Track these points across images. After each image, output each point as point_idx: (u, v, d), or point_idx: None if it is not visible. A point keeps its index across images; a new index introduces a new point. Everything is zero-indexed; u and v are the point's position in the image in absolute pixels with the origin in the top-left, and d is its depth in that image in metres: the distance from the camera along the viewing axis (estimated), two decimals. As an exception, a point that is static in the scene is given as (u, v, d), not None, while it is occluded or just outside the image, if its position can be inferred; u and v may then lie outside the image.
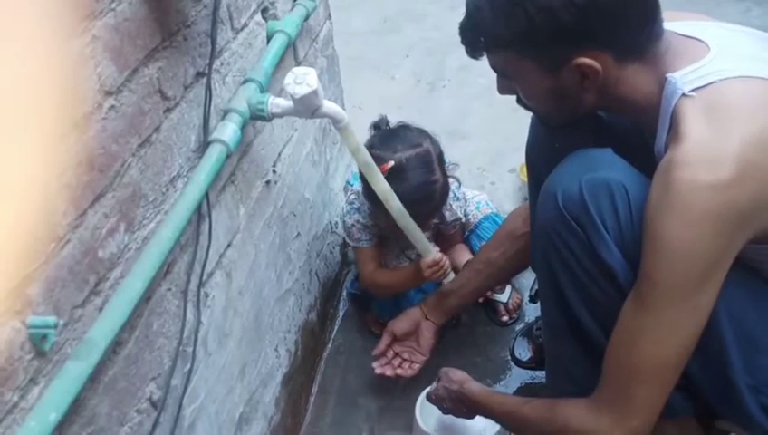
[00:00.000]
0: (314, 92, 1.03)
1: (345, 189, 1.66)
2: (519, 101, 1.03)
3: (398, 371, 1.40)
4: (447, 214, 1.51)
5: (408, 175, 1.32)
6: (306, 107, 1.05)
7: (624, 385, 0.93)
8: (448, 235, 1.58)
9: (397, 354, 1.42)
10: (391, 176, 1.30)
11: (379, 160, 1.31)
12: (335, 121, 1.13)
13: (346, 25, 2.83)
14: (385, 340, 1.42)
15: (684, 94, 0.87)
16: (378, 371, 1.40)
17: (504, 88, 1.03)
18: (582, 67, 0.90)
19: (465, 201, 1.57)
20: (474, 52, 0.99)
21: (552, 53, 0.91)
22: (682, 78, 0.88)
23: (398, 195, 1.30)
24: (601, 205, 0.94)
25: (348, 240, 1.52)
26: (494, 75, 1.03)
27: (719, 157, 0.81)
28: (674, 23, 0.96)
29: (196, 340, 0.99)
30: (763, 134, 0.82)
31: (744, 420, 0.97)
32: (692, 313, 0.88)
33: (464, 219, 1.58)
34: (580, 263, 0.97)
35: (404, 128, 1.40)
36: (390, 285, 1.51)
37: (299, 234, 1.44)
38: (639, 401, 0.92)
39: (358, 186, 1.48)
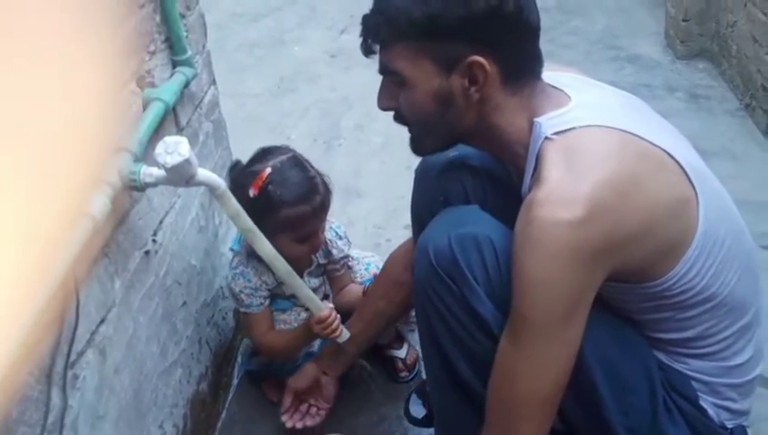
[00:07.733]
0: (187, 161, 1.01)
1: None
2: (397, 116, 1.04)
3: (307, 420, 1.41)
4: (335, 251, 1.52)
5: (287, 175, 1.35)
6: (180, 176, 1.04)
7: (507, 422, 0.96)
8: (338, 276, 1.58)
9: (303, 401, 1.44)
10: (271, 183, 1.32)
11: (253, 174, 1.34)
12: (212, 189, 1.12)
13: (241, 87, 2.86)
14: (288, 398, 1.43)
15: (546, 137, 0.93)
16: (288, 424, 1.41)
17: (386, 99, 1.03)
18: (474, 67, 0.94)
19: (349, 245, 1.58)
20: (372, 43, 0.99)
21: (450, 47, 0.94)
22: (546, 122, 0.95)
23: (282, 201, 1.32)
24: (470, 258, 0.98)
25: (237, 307, 1.49)
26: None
27: (574, 197, 0.87)
28: (548, 73, 1.03)
29: (62, 426, 0.93)
30: (613, 178, 0.89)
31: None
32: (562, 345, 0.92)
33: (350, 263, 1.61)
34: (455, 315, 1.00)
35: (264, 150, 1.43)
36: (283, 345, 1.48)
37: (185, 302, 1.40)
38: None
39: (240, 248, 1.47)
